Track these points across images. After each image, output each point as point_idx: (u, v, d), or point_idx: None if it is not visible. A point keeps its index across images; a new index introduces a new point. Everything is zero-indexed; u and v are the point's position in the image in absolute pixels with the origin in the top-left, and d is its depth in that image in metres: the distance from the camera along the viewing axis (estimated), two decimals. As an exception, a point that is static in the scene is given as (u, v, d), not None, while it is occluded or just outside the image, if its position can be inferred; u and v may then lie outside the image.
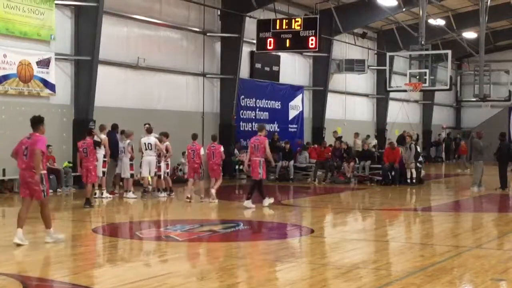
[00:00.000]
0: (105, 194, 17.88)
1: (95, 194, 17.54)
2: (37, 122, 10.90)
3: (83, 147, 16.52)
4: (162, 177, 18.66)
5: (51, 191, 19.04)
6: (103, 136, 17.84)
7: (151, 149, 18.19)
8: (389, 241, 12.21)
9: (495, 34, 39.80)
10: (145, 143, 18.21)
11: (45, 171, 10.79)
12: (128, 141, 18.50)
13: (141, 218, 15.41)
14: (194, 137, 18.27)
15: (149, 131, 18.42)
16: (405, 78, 28.04)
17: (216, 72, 26.69)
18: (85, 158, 16.50)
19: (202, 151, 17.84)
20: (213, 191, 17.43)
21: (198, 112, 25.81)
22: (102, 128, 18.27)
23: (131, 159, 18.42)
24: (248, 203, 16.22)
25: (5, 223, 14.55)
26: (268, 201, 16.57)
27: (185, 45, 25.37)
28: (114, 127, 19.07)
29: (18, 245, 10.47)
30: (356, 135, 30.80)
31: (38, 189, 10.51)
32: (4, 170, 19.00)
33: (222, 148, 18.00)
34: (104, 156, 17.86)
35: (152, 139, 18.28)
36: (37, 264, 9.49)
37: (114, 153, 18.50)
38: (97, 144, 17.02)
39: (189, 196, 17.57)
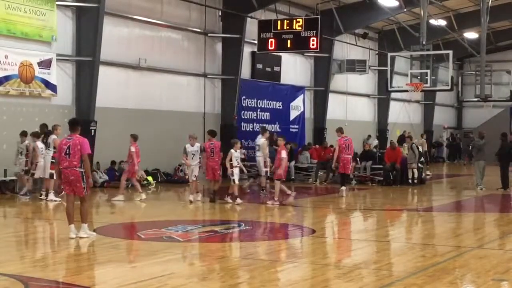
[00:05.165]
0: (51, 196, 17.37)
1: (41, 195, 17.62)
2: (75, 124, 11.76)
3: (211, 148, 17.32)
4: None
5: (52, 191, 19.15)
6: (54, 137, 17.39)
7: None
8: (390, 242, 12.21)
9: (496, 34, 39.81)
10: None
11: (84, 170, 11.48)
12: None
13: (142, 218, 15.40)
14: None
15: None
16: (406, 79, 28.05)
17: (217, 72, 26.70)
18: (211, 158, 17.30)
19: None
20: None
21: (199, 112, 25.82)
22: (54, 128, 17.52)
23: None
24: (343, 190, 19.16)
25: (6, 223, 14.55)
26: (344, 189, 19.26)
27: (186, 46, 25.38)
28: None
29: (73, 238, 11.25)
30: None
31: (80, 186, 11.39)
32: (5, 170, 19.00)
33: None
34: (53, 158, 17.19)
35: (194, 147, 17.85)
36: (39, 265, 9.50)
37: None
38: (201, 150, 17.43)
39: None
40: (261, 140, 19.25)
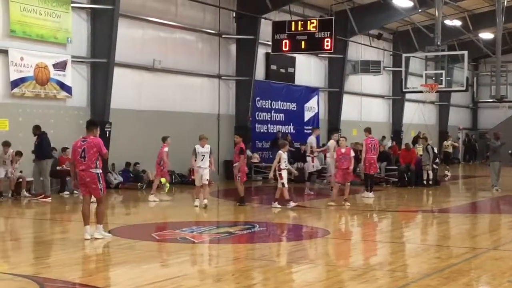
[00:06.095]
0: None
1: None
2: (91, 124, 11.76)
3: (247, 149, 17.66)
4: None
5: (67, 192, 19.25)
6: None
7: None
8: (405, 243, 12.17)
9: (512, 34, 39.59)
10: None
11: (101, 171, 11.48)
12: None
13: (157, 220, 15.44)
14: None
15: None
16: (421, 79, 27.92)
17: (231, 74, 26.72)
18: (245, 160, 17.48)
19: None
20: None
21: (213, 114, 25.85)
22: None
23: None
24: (368, 194, 19.47)
25: (20, 224, 14.63)
26: (370, 194, 19.56)
27: (200, 47, 25.42)
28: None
29: (88, 239, 11.29)
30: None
31: (96, 187, 11.38)
32: (21, 172, 19.07)
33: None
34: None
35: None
36: (53, 266, 9.54)
37: (48, 155, 18.45)
38: (242, 151, 17.33)
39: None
40: (331, 142, 19.74)
